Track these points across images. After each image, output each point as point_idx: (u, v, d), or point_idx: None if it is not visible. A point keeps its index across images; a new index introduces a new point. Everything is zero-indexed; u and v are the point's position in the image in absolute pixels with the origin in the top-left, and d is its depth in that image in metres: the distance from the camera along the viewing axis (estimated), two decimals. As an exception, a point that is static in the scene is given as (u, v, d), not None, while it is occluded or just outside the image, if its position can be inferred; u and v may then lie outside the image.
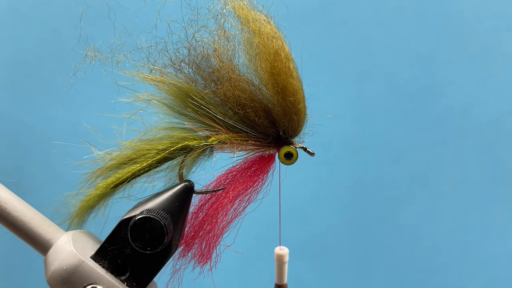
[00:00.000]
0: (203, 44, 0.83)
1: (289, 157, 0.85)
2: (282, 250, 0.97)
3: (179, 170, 0.84)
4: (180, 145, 0.84)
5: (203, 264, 0.87)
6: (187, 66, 0.84)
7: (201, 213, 0.87)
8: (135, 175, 0.85)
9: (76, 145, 0.88)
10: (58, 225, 0.81)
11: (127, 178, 0.85)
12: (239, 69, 0.83)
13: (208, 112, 0.83)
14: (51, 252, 0.75)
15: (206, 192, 0.86)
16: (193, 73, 0.84)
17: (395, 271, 1.80)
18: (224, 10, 0.81)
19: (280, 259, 0.96)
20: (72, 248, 0.73)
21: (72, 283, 0.72)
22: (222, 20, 0.81)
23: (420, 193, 1.77)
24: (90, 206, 0.90)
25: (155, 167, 0.86)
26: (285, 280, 0.99)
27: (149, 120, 0.88)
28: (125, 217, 0.77)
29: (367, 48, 1.70)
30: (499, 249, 1.80)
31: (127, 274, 0.77)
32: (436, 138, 1.74)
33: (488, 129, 1.73)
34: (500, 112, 1.73)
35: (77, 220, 0.91)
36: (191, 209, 0.86)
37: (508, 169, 1.76)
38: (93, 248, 0.78)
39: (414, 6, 1.69)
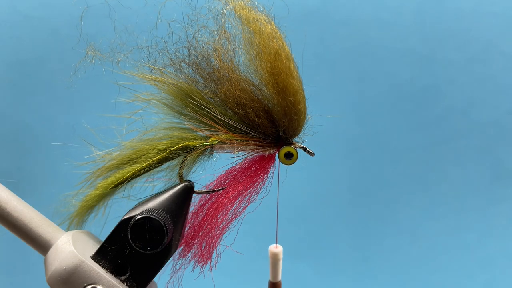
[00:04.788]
0: (203, 44, 0.83)
1: (289, 157, 0.84)
2: (277, 248, 0.97)
3: (179, 170, 0.84)
4: (180, 145, 0.84)
5: (203, 264, 0.87)
6: (187, 66, 0.84)
7: (201, 213, 0.87)
8: (135, 175, 0.85)
9: (76, 145, 0.88)
10: (58, 225, 0.81)
11: (127, 178, 0.85)
12: (240, 69, 0.83)
13: (208, 112, 0.83)
14: (51, 252, 0.75)
15: (206, 192, 0.86)
16: (193, 73, 0.84)
17: (394, 271, 1.80)
18: (225, 10, 0.81)
19: (274, 257, 0.96)
20: (72, 248, 0.73)
21: (72, 283, 0.72)
22: (223, 20, 0.81)
23: (420, 193, 1.77)
24: (90, 206, 0.90)
25: (155, 167, 0.85)
26: (279, 278, 0.99)
27: (149, 120, 0.88)
28: (125, 217, 0.77)
29: (367, 48, 1.70)
30: (499, 249, 1.80)
31: (127, 274, 0.77)
32: (436, 138, 1.74)
33: (488, 129, 1.73)
34: (500, 112, 1.73)
35: (77, 220, 0.91)
36: (191, 209, 0.86)
37: (508, 169, 1.76)
38: (93, 248, 0.78)
39: (414, 6, 1.69)
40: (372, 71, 1.71)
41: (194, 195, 0.84)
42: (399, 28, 1.69)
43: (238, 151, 0.86)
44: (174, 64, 0.84)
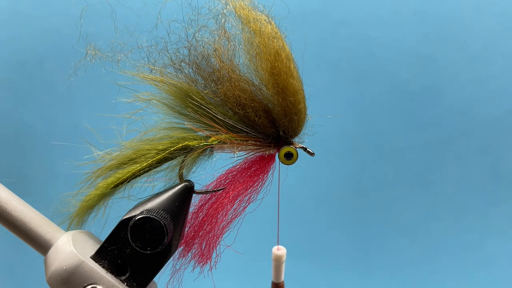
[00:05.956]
0: (203, 44, 0.83)
1: (289, 157, 0.84)
2: (280, 250, 0.96)
3: (179, 170, 0.84)
4: (180, 145, 0.84)
5: (203, 264, 0.87)
6: (187, 66, 0.84)
7: (201, 213, 0.87)
8: (135, 175, 0.85)
9: (76, 145, 0.88)
10: (58, 225, 0.81)
11: (127, 178, 0.85)
12: (240, 69, 0.83)
13: (208, 112, 0.83)
14: (51, 252, 0.75)
15: (206, 192, 0.86)
16: (193, 73, 0.84)
17: (395, 271, 1.80)
18: (225, 10, 0.81)
19: (278, 259, 0.96)
20: (72, 248, 0.73)
21: (72, 283, 0.72)
22: (223, 20, 0.81)
23: (420, 193, 1.77)
24: (90, 206, 0.90)
25: (155, 167, 0.85)
26: (282, 278, 0.99)
27: (149, 120, 0.88)
28: (125, 217, 0.77)
29: (367, 48, 1.70)
30: (499, 249, 1.80)
31: (127, 274, 0.77)
32: (436, 138, 1.74)
33: (488, 129, 1.73)
34: (500, 112, 1.73)
35: (77, 220, 0.91)
36: (191, 209, 0.86)
37: (508, 169, 1.76)
38: (93, 248, 0.78)
39: (414, 6, 1.69)
40: (372, 71, 1.71)
41: (194, 195, 0.84)
42: (399, 28, 1.69)
43: (238, 151, 0.86)
44: (174, 64, 0.84)
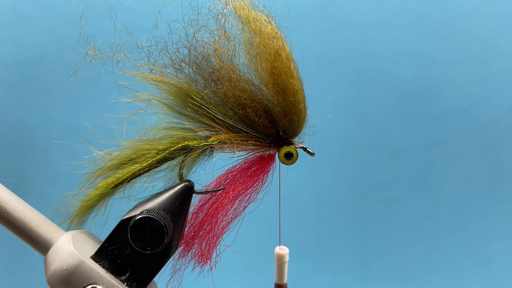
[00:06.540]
0: (203, 44, 0.83)
1: (289, 157, 0.84)
2: (282, 250, 0.97)
3: (179, 170, 0.84)
4: (180, 145, 0.84)
5: (203, 264, 0.87)
6: (187, 66, 0.84)
7: (201, 213, 0.87)
8: (135, 175, 0.85)
9: (76, 145, 0.88)
10: (58, 225, 0.81)
11: (127, 178, 0.85)
12: (240, 69, 0.83)
13: (208, 112, 0.83)
14: (51, 252, 0.75)
15: (206, 192, 0.86)
16: (193, 73, 0.84)
17: (395, 270, 1.80)
18: (225, 10, 0.81)
19: (280, 259, 0.96)
20: (72, 248, 0.73)
21: (72, 283, 0.72)
22: (223, 20, 0.81)
23: (420, 193, 1.77)
24: (90, 206, 0.90)
25: (155, 167, 0.86)
26: (285, 280, 0.99)
27: (149, 120, 0.88)
28: (125, 217, 0.77)
29: (367, 48, 1.70)
30: (499, 249, 1.80)
31: (127, 274, 0.77)
32: (436, 138, 1.74)
33: (488, 129, 1.73)
34: (500, 112, 1.73)
35: (77, 220, 0.91)
36: (191, 209, 0.86)
37: (508, 169, 1.76)
38: (93, 248, 0.78)
39: (414, 6, 1.69)
40: (372, 71, 1.71)
41: (194, 195, 0.84)
42: (399, 28, 1.69)
43: (238, 151, 0.86)
44: (174, 64, 0.84)
